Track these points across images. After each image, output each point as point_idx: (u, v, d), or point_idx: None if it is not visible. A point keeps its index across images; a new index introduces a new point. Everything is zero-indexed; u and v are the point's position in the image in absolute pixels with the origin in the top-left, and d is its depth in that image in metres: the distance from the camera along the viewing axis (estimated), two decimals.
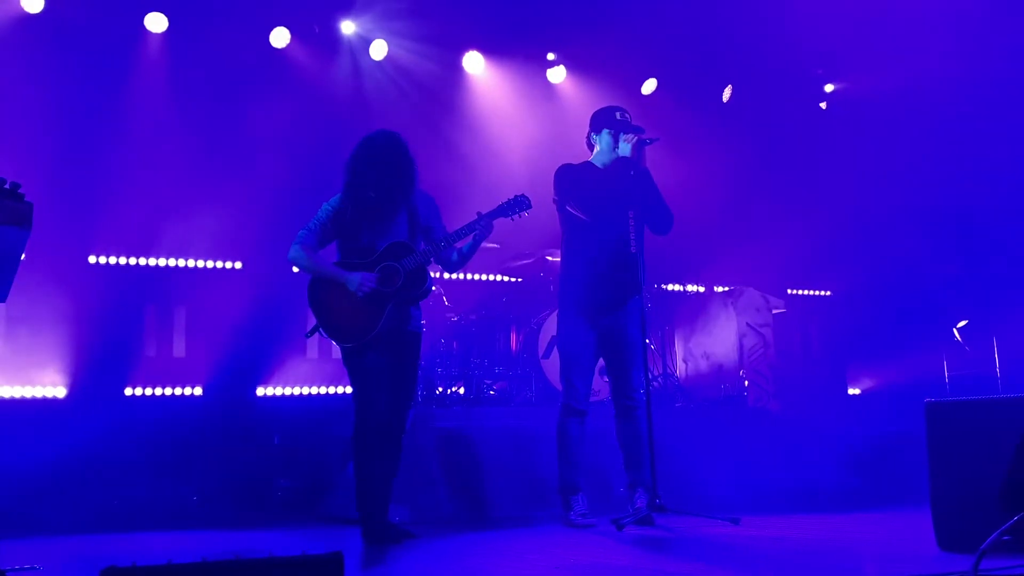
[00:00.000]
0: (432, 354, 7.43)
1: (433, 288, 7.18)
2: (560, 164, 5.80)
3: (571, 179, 5.70)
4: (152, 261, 7.77)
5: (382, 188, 5.00)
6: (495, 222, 5.18)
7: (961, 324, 8.66)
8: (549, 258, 7.83)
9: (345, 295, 4.95)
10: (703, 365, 8.47)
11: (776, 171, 9.69)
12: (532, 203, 5.27)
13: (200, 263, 7.94)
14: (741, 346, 8.30)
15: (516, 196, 5.23)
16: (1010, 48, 8.39)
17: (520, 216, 5.24)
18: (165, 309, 7.78)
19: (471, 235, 5.12)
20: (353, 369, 5.03)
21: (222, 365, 7.65)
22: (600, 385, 6.25)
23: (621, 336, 5.65)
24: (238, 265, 8.05)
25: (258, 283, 7.86)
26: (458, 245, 5.20)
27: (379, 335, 4.92)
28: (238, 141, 7.88)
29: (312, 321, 5.09)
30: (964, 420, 4.35)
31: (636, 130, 5.64)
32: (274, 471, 7.39)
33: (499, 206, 5.18)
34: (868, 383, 9.55)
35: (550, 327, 7.18)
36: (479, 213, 5.13)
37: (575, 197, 5.64)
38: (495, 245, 7.74)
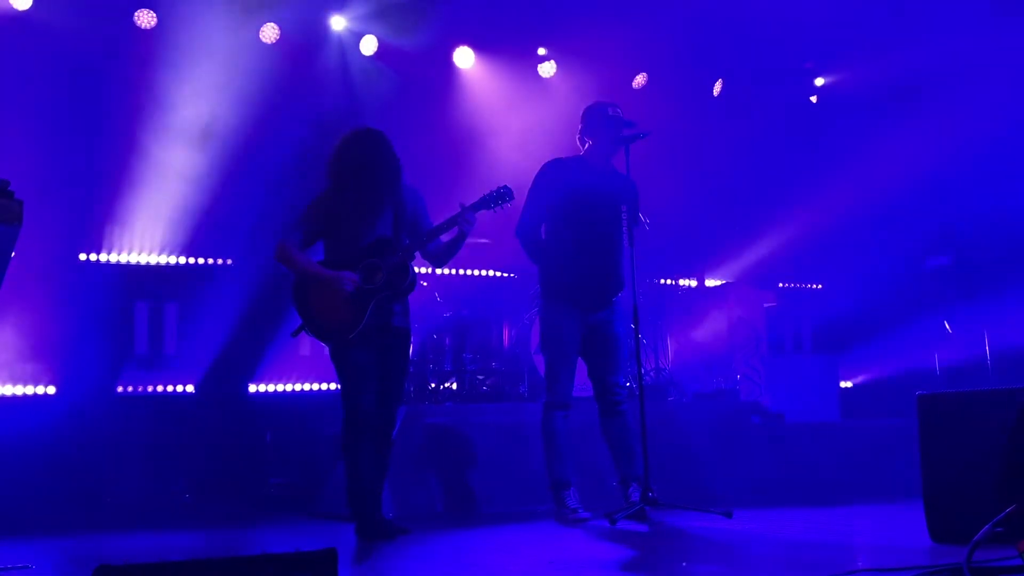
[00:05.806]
0: (424, 350, 7.42)
1: (424, 284, 7.19)
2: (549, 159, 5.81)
3: (549, 185, 5.70)
4: (142, 258, 7.75)
5: (364, 188, 4.98)
6: (479, 214, 5.12)
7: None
8: None
9: (328, 294, 4.92)
10: (695, 359, 8.47)
11: (767, 165, 9.70)
12: (515, 195, 5.24)
13: (190, 260, 7.91)
14: (733, 340, 8.31)
15: (499, 188, 5.16)
16: (999, 40, 8.40)
17: (503, 207, 5.19)
18: (156, 306, 7.75)
19: (454, 228, 5.07)
20: (339, 366, 5.01)
21: (214, 362, 7.63)
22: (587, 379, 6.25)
23: (607, 334, 5.63)
24: (228, 262, 8.03)
25: (249, 279, 7.82)
26: (444, 239, 5.18)
27: (362, 332, 4.90)
28: (228, 137, 7.84)
29: (299, 319, 5.08)
30: (956, 412, 4.36)
31: (628, 124, 5.64)
32: (267, 468, 7.39)
33: (481, 198, 5.11)
34: (859, 376, 9.57)
35: None
36: (461, 205, 5.08)
37: (552, 206, 5.67)
38: (486, 240, 7.73)
